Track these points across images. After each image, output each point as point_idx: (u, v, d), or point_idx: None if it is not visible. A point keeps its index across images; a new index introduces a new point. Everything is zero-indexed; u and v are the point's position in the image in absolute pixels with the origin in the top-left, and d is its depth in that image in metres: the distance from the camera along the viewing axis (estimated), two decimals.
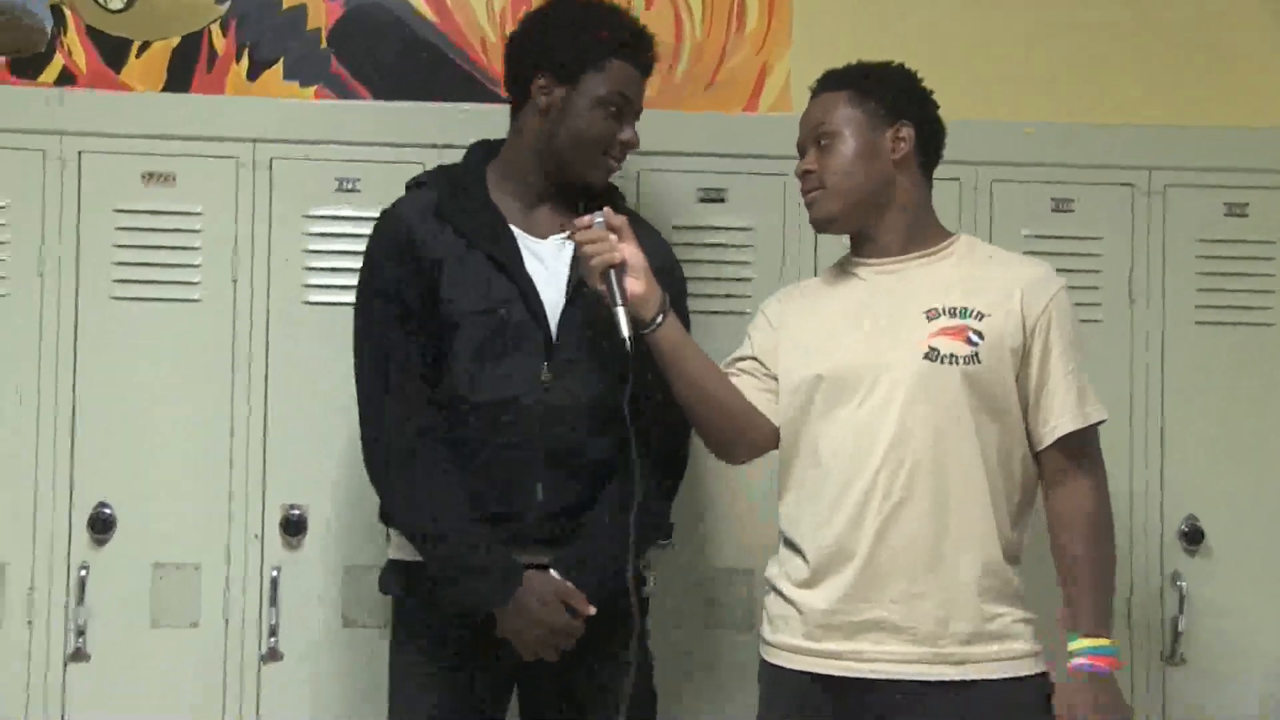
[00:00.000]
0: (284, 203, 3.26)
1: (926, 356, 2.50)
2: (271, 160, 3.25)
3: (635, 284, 2.60)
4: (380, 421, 2.75)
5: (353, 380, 3.16)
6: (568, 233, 2.70)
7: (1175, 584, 3.35)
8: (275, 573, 3.21)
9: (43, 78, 3.39)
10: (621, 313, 2.57)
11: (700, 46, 3.49)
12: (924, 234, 2.64)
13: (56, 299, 3.21)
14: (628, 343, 2.56)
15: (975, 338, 2.50)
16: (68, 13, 3.40)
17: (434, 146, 3.23)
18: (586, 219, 2.64)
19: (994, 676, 2.46)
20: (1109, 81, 3.53)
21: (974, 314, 2.52)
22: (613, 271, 2.58)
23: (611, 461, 2.75)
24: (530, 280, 2.74)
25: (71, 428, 3.20)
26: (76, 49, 3.40)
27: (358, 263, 3.17)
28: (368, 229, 3.18)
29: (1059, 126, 3.33)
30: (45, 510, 3.20)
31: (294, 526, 3.23)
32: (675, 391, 2.67)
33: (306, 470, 3.24)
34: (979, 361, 2.50)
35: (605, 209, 2.67)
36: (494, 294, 2.72)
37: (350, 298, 3.17)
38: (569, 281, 2.77)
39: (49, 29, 3.37)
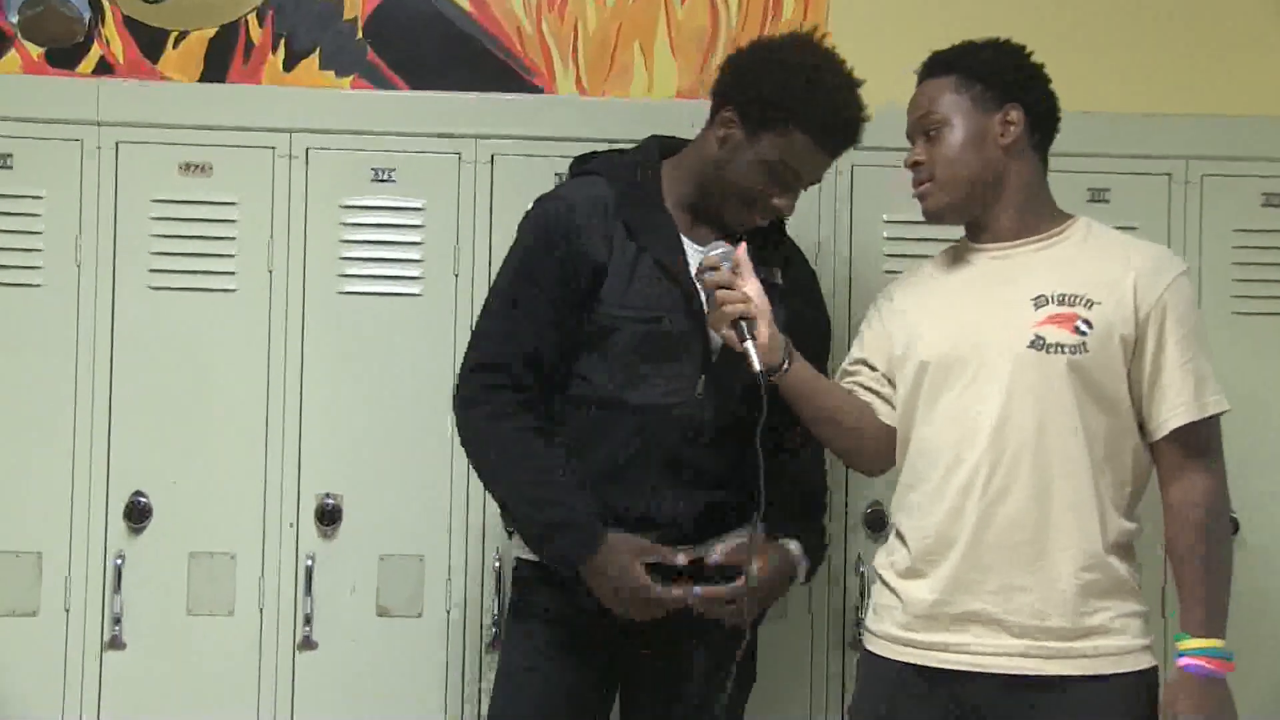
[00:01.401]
0: (320, 193, 3.26)
1: (1032, 345, 2.45)
2: (307, 150, 3.25)
3: (766, 330, 2.56)
4: (474, 393, 2.72)
5: (386, 370, 3.21)
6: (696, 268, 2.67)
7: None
8: (310, 562, 3.22)
9: (81, 68, 3.40)
10: (752, 350, 2.54)
11: (736, 38, 3.48)
12: (1038, 218, 2.57)
13: (94, 289, 3.22)
14: (761, 379, 2.53)
15: (1084, 326, 2.44)
16: (106, 3, 3.41)
17: (470, 137, 3.24)
18: (713, 258, 2.59)
19: (1095, 672, 2.41)
20: (1146, 71, 3.51)
21: (1084, 302, 2.46)
22: (744, 323, 2.55)
23: (742, 479, 2.69)
24: (696, 290, 2.69)
25: (108, 417, 3.22)
26: (114, 39, 3.42)
27: (392, 253, 3.24)
28: (404, 219, 3.25)
29: (1095, 116, 3.30)
30: (81, 499, 3.21)
31: (329, 516, 3.23)
32: (807, 425, 2.68)
33: (341, 460, 3.25)
34: (1086, 351, 2.43)
35: (739, 247, 2.61)
36: (659, 302, 2.69)
37: (384, 288, 3.23)
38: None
39: (87, 19, 3.38)
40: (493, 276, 2.85)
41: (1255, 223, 3.39)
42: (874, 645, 2.58)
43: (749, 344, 2.54)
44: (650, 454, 2.70)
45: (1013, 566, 2.43)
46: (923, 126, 2.59)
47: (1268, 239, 3.38)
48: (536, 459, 2.68)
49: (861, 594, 3.28)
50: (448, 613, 3.25)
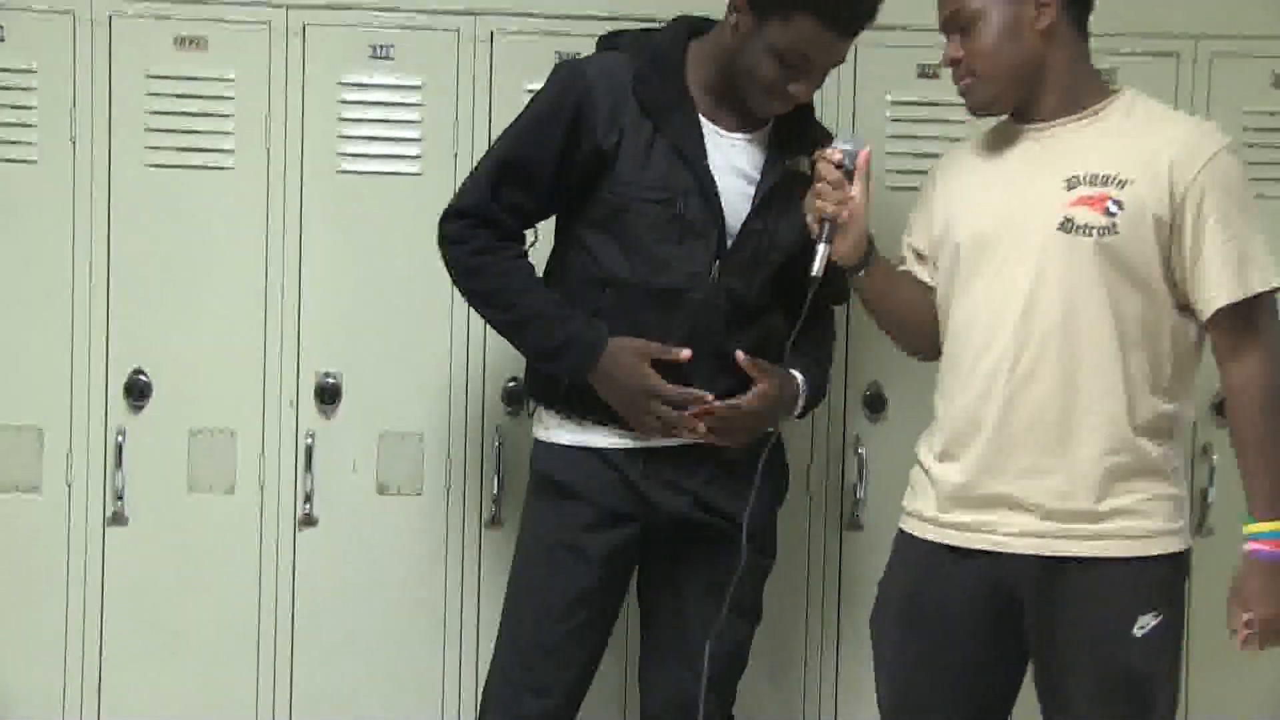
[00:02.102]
0: (317, 70, 3.22)
1: (1061, 227, 2.41)
2: (305, 26, 3.20)
3: (845, 243, 2.53)
4: (456, 231, 2.75)
5: (385, 250, 3.19)
6: (810, 160, 2.63)
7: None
8: (310, 439, 3.23)
9: None
10: (820, 253, 2.53)
11: None
12: (1080, 95, 2.50)
13: (89, 166, 3.19)
14: (813, 281, 2.54)
15: (1114, 207, 2.39)
16: None
17: (470, 14, 3.19)
18: (837, 153, 2.54)
19: (1120, 554, 2.41)
20: None
21: (1115, 182, 2.40)
22: (829, 225, 2.53)
23: (761, 353, 2.76)
24: (711, 176, 2.69)
25: (106, 295, 3.21)
26: None
27: (390, 131, 3.22)
28: (401, 97, 3.22)
29: None
30: (81, 376, 3.21)
31: (328, 394, 3.24)
32: (876, 319, 2.71)
33: (341, 338, 3.25)
34: (1116, 233, 2.39)
35: (863, 152, 2.55)
36: (673, 184, 2.68)
37: (383, 167, 3.22)
38: (758, 190, 2.73)
39: None
40: None
41: (1265, 104, 3.34)
42: (907, 524, 2.61)
43: (820, 246, 2.53)
44: (665, 339, 2.70)
45: (1038, 449, 2.43)
46: (956, 22, 2.50)
47: (1278, 120, 3.34)
48: (532, 283, 2.74)
49: (860, 474, 3.31)
50: (447, 490, 3.27)
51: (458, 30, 3.18)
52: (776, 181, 2.73)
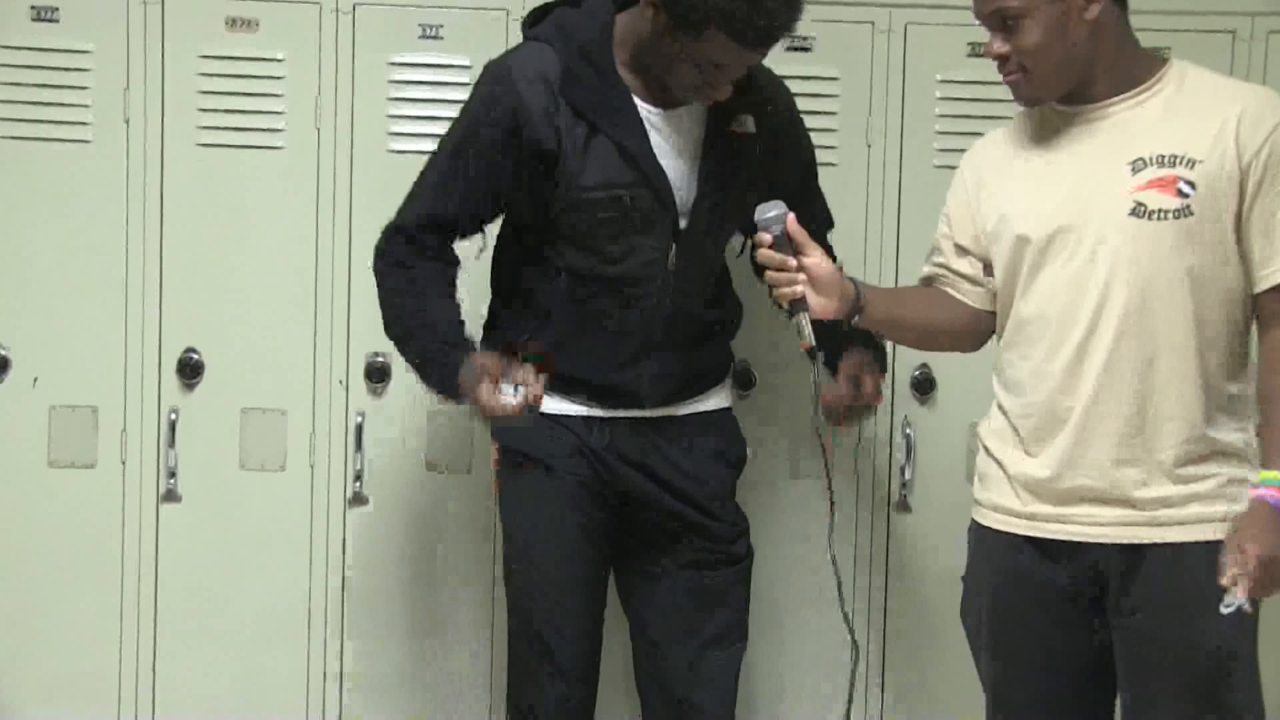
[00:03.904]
0: (367, 50, 3.23)
1: (1133, 213, 2.35)
2: (355, 6, 3.22)
3: (826, 303, 2.48)
4: (383, 245, 2.78)
5: None
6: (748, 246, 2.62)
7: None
8: (360, 418, 3.25)
9: None
10: (804, 327, 2.47)
11: None
12: (1129, 72, 2.42)
13: (143, 146, 3.21)
14: (812, 353, 2.49)
15: (1186, 188, 2.33)
16: None
17: None
18: (766, 236, 2.47)
19: (1202, 538, 2.36)
20: None
21: (1184, 161, 2.34)
22: (797, 304, 2.48)
23: (720, 322, 2.82)
24: (658, 165, 2.67)
25: (160, 274, 3.24)
26: None
27: (440, 111, 3.22)
28: (451, 77, 3.22)
29: None
30: (135, 355, 3.25)
31: (378, 373, 3.26)
32: (898, 342, 2.72)
33: None
34: (1191, 214, 2.33)
35: (789, 216, 2.47)
36: (618, 179, 2.66)
37: (432, 146, 3.18)
38: (702, 169, 2.71)
39: None
40: None
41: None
42: (984, 517, 2.55)
43: (799, 319, 2.47)
44: (627, 327, 2.72)
45: (1119, 441, 2.38)
46: (1000, 18, 2.41)
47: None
48: (416, 299, 2.74)
49: (907, 455, 3.30)
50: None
51: (506, 10, 3.18)
52: (722, 154, 2.70)
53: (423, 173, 2.78)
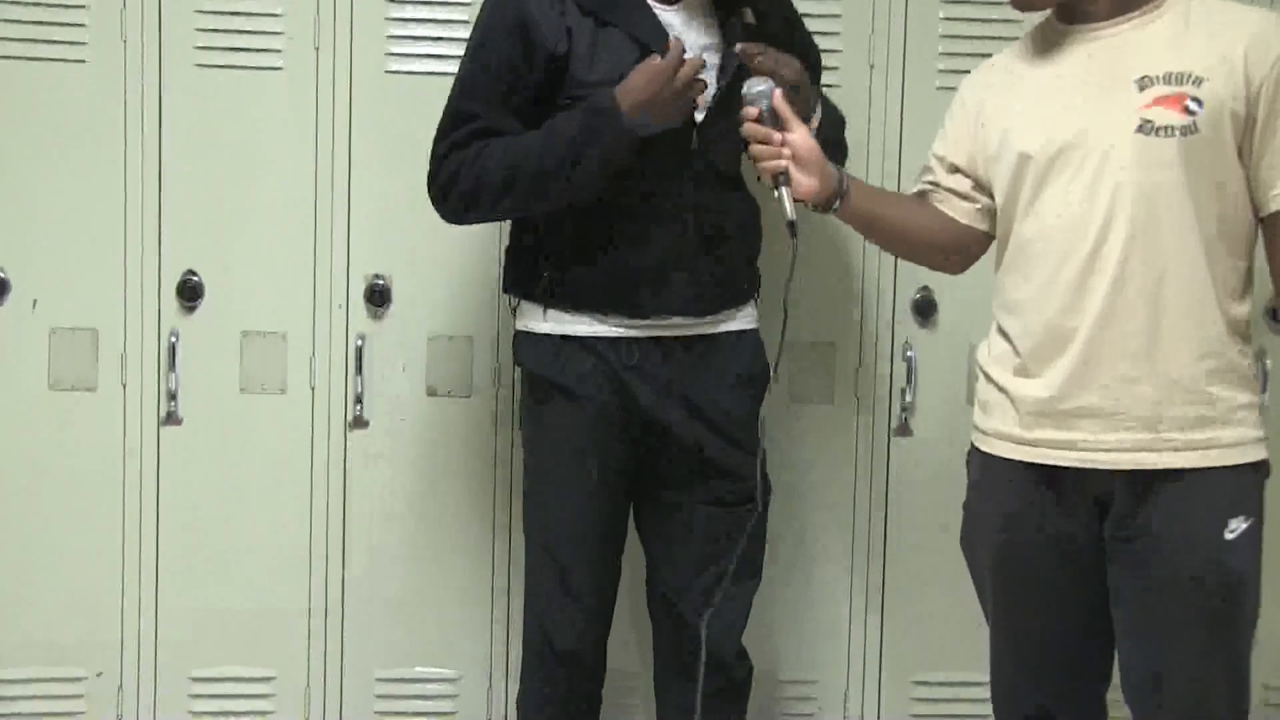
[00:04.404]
0: None
1: (1140, 129, 2.34)
2: None
3: (808, 181, 2.48)
4: (436, 160, 2.73)
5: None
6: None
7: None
8: (360, 342, 3.25)
9: None
10: (786, 201, 2.47)
11: None
12: None
13: (140, 66, 3.19)
14: (793, 227, 2.48)
15: (1194, 105, 2.32)
16: None
17: None
18: (752, 110, 2.50)
19: (1217, 464, 2.36)
20: None
21: (1191, 79, 2.33)
22: (781, 176, 2.48)
23: (744, 225, 2.81)
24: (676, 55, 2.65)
25: (159, 196, 3.22)
26: None
27: (439, 32, 3.22)
28: None
29: None
30: (134, 278, 3.24)
31: (378, 296, 3.25)
32: (877, 244, 2.68)
33: (390, 241, 3.26)
34: (1197, 131, 2.32)
35: (776, 91, 2.50)
36: (631, 66, 2.63)
37: (431, 67, 3.19)
38: (723, 69, 2.71)
39: None
40: None
41: None
42: (986, 444, 2.54)
43: (781, 192, 2.47)
44: (652, 229, 2.71)
45: (1128, 358, 2.36)
46: None
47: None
48: (493, 153, 2.67)
49: (908, 379, 3.29)
50: (496, 392, 3.29)
51: None
52: (733, 44, 2.69)
53: (448, 101, 2.74)
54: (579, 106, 2.63)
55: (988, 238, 2.60)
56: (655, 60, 2.60)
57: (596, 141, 2.61)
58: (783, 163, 2.48)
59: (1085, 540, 2.45)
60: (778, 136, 2.49)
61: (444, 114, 2.74)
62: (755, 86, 2.51)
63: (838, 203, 2.53)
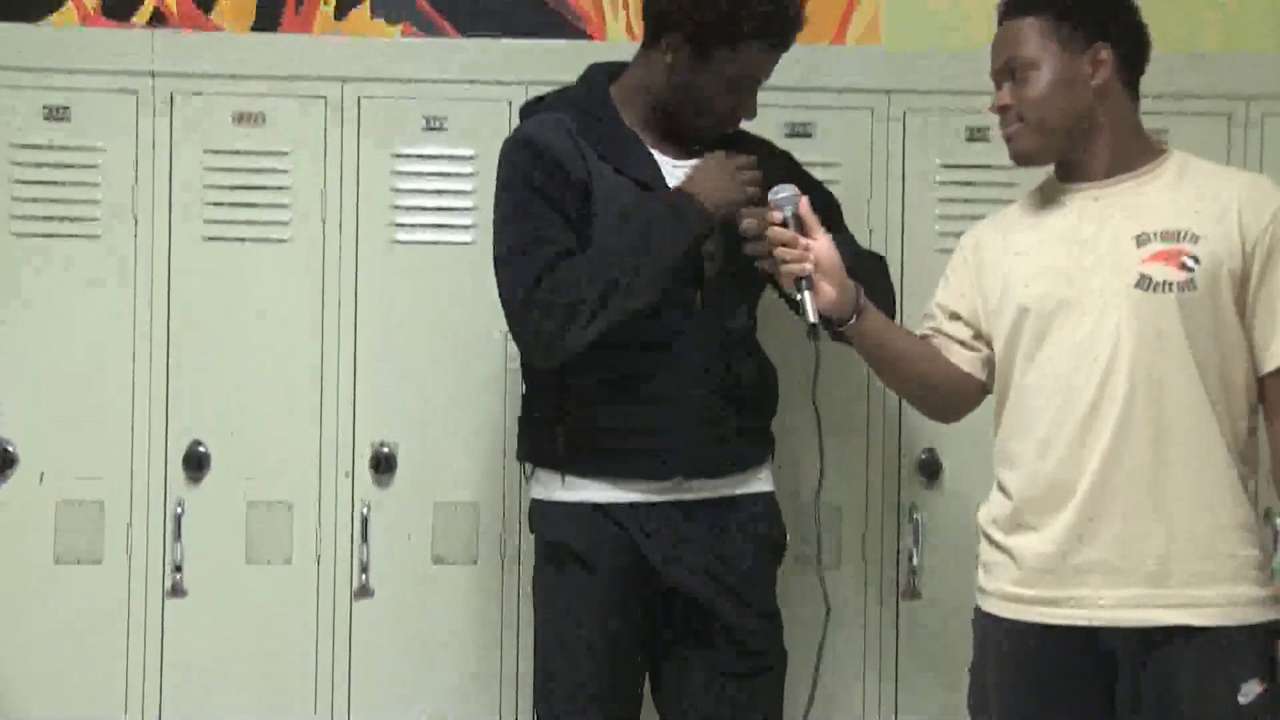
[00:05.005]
0: (372, 142, 3.26)
1: (1138, 285, 2.37)
2: (359, 99, 3.25)
3: (828, 289, 2.52)
4: (522, 289, 2.67)
5: (439, 319, 3.22)
6: (754, 219, 2.65)
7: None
8: (366, 510, 3.24)
9: (135, 19, 3.43)
10: (808, 303, 2.52)
11: None
12: (1131, 154, 2.48)
13: (150, 240, 3.23)
14: (813, 333, 2.52)
15: (1191, 262, 2.35)
16: None
17: (521, 84, 3.20)
18: (778, 214, 2.56)
19: (1229, 623, 2.35)
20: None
21: (1189, 237, 2.37)
22: (804, 280, 2.52)
23: (758, 384, 2.81)
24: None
25: (166, 367, 3.24)
26: None
27: (445, 202, 3.26)
28: (455, 168, 3.26)
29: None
30: (141, 449, 3.24)
31: (384, 464, 3.25)
32: (877, 373, 2.68)
33: (396, 408, 3.26)
34: (1195, 288, 2.35)
35: (802, 199, 2.56)
36: None
37: (436, 237, 3.23)
38: (722, 233, 2.72)
39: None
40: None
41: None
42: (990, 605, 2.51)
43: (804, 295, 2.51)
44: (660, 386, 2.71)
45: (1132, 513, 2.36)
46: (1009, 69, 2.49)
47: None
48: (598, 251, 2.66)
49: (916, 541, 3.27)
50: (503, 560, 3.27)
51: (509, 101, 3.20)
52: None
53: (505, 245, 2.71)
54: (649, 198, 2.67)
55: (984, 389, 2.61)
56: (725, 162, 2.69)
57: (680, 220, 2.65)
58: (807, 266, 2.51)
59: (1094, 699, 2.41)
60: (803, 241, 2.52)
61: (511, 255, 2.69)
62: (781, 192, 2.57)
63: (854, 317, 2.55)
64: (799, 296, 2.52)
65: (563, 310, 2.62)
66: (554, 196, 2.68)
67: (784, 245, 2.53)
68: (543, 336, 2.65)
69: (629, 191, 2.70)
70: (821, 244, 2.54)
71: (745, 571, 2.77)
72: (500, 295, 2.72)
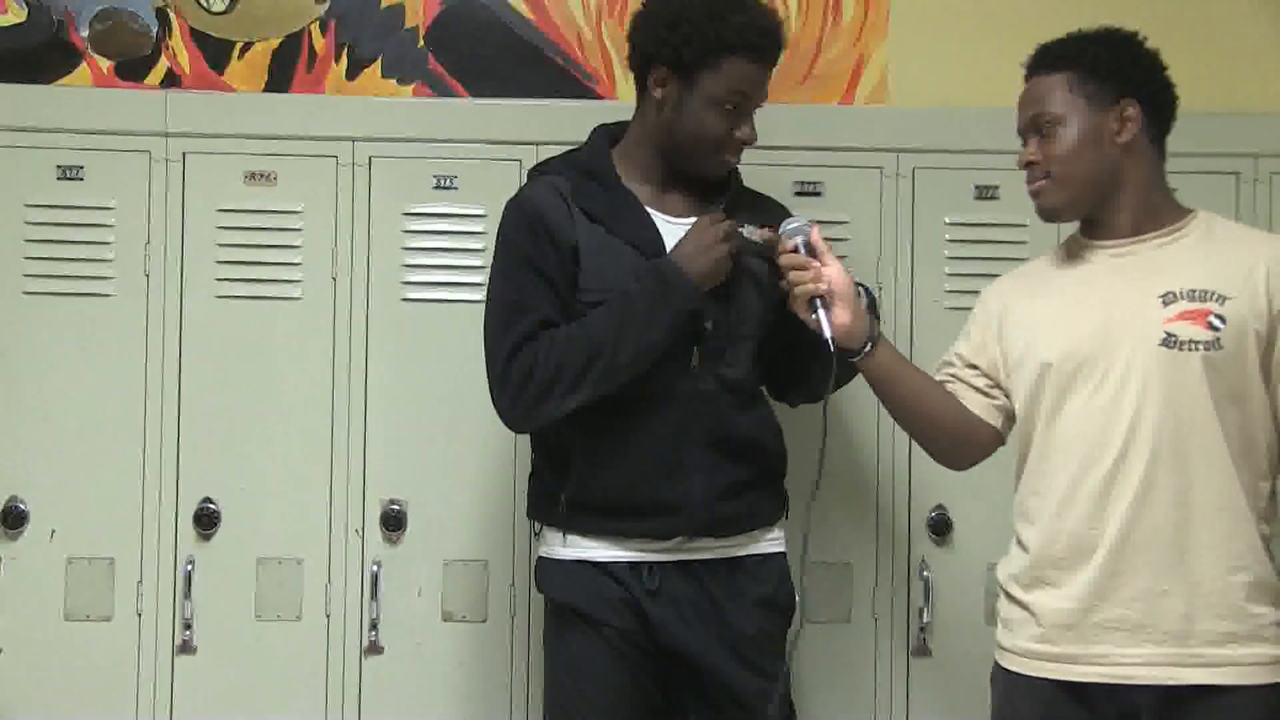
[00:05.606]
0: (383, 201, 3.28)
1: (1164, 343, 2.37)
2: (370, 159, 3.28)
3: (842, 314, 2.55)
4: (501, 357, 2.70)
5: (449, 376, 3.22)
6: (761, 239, 2.70)
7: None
8: (376, 567, 3.24)
9: (148, 80, 3.46)
10: (824, 321, 2.55)
11: (796, 39, 3.47)
12: (1158, 213, 2.48)
13: (162, 298, 3.25)
14: (827, 346, 2.54)
15: (1217, 322, 2.36)
16: (172, 15, 3.46)
17: (531, 144, 3.23)
18: (791, 243, 2.61)
19: (1246, 682, 2.33)
20: (1213, 67, 3.44)
21: (1215, 297, 2.37)
22: (818, 300, 2.55)
23: (757, 436, 2.79)
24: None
25: (177, 425, 3.25)
26: (180, 51, 3.47)
27: (455, 260, 3.27)
28: (465, 226, 3.27)
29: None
30: (152, 506, 3.25)
31: (394, 521, 3.25)
32: (889, 410, 2.67)
33: (406, 465, 3.27)
34: (1220, 347, 2.35)
35: (814, 228, 2.63)
36: (636, 279, 2.69)
37: (447, 295, 3.24)
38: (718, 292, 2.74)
39: (153, 32, 3.44)
40: None
41: None
42: (1010, 662, 2.50)
43: (819, 314, 2.53)
44: (663, 444, 2.71)
45: (1155, 570, 2.35)
46: (1037, 125, 2.50)
47: None
48: (582, 325, 2.68)
49: (926, 598, 3.26)
50: (512, 618, 3.27)
51: (519, 160, 3.21)
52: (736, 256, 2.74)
53: (494, 308, 2.76)
54: (644, 270, 2.68)
55: (996, 438, 2.61)
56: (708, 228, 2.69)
57: (665, 299, 2.65)
58: (821, 285, 2.54)
59: None
60: (815, 263, 2.56)
61: (495, 321, 2.73)
62: (793, 223, 2.63)
63: (868, 346, 2.56)
64: (813, 316, 2.55)
65: (538, 384, 2.66)
66: (540, 264, 2.70)
67: (796, 269, 2.57)
68: (517, 406, 2.70)
69: (623, 253, 2.71)
70: (834, 269, 2.57)
71: (750, 635, 2.76)
72: (485, 361, 2.76)
